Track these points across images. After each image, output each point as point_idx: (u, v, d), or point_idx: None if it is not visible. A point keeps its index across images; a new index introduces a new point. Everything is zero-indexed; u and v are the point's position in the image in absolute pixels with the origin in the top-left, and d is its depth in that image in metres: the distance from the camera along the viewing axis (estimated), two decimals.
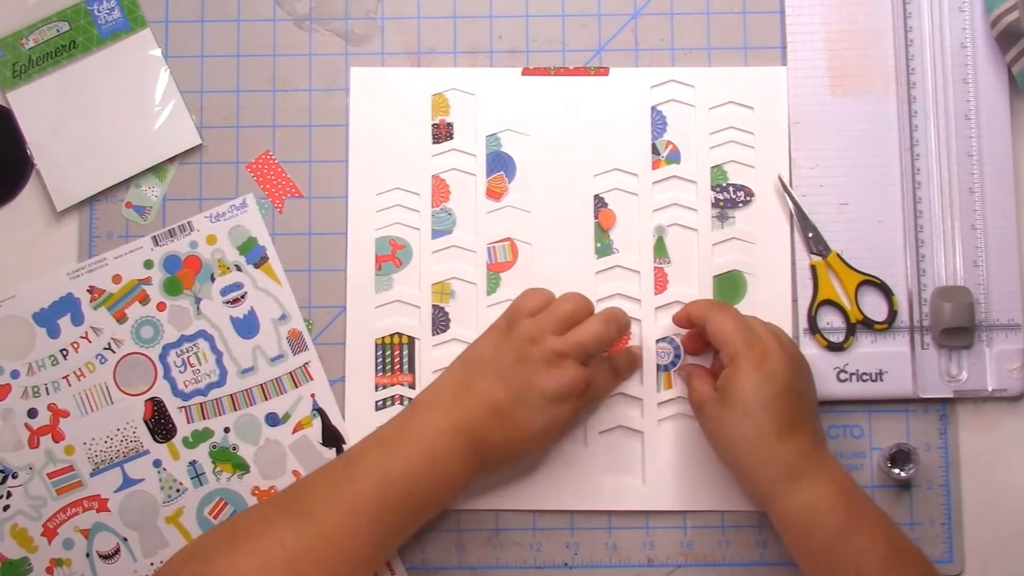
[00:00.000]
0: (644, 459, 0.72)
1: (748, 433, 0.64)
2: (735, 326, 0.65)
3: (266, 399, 0.73)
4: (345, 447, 0.72)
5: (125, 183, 0.75)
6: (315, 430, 0.73)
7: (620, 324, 0.68)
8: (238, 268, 0.74)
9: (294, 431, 0.73)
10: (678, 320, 0.71)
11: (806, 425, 0.65)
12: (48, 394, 0.73)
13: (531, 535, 0.72)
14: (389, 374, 0.73)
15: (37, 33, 0.75)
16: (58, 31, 0.75)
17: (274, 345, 0.73)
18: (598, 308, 0.71)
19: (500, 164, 0.74)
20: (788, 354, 0.65)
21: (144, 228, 0.74)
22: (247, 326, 0.73)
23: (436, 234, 0.74)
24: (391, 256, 0.74)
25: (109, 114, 0.75)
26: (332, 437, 0.73)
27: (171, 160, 0.75)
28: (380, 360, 0.73)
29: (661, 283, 0.73)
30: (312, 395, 0.73)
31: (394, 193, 0.74)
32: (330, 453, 0.73)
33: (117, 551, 0.72)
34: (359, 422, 0.73)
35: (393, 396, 0.73)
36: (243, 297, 0.74)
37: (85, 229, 0.74)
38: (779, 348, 0.65)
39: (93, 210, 0.75)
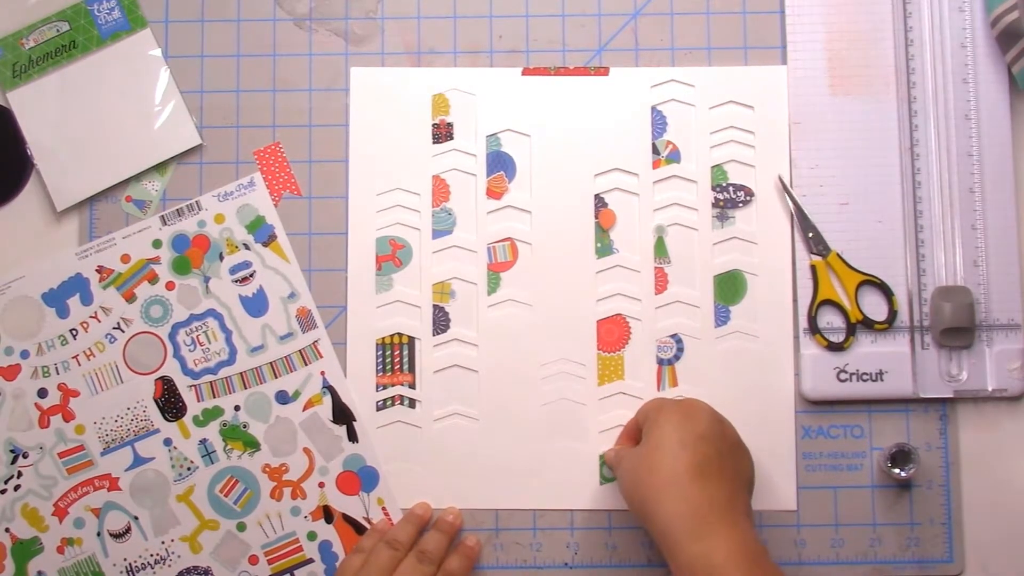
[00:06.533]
0: None
1: (662, 467, 0.61)
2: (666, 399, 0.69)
3: (276, 377, 0.73)
4: (355, 424, 0.73)
5: (125, 183, 0.75)
6: (325, 407, 0.73)
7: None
8: (246, 247, 0.74)
9: (304, 408, 0.73)
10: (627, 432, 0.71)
11: (724, 481, 0.61)
12: (58, 374, 0.73)
13: (531, 535, 0.72)
14: (389, 374, 0.73)
15: (37, 33, 0.75)
16: (58, 31, 0.75)
17: (283, 323, 0.73)
18: (598, 308, 0.71)
19: (500, 164, 0.74)
20: (718, 417, 0.65)
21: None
22: (256, 304, 0.74)
23: (436, 234, 0.74)
24: (391, 256, 0.74)
25: (109, 114, 0.75)
26: (342, 414, 0.73)
27: (171, 160, 0.75)
28: (381, 360, 0.73)
29: (661, 283, 0.73)
30: (322, 372, 0.73)
31: (394, 193, 0.74)
32: (340, 430, 0.73)
33: (128, 530, 0.73)
34: (360, 422, 0.73)
35: (393, 396, 0.73)
36: (252, 276, 0.74)
37: (85, 229, 0.74)
38: (708, 407, 0.65)
39: (93, 210, 0.75)
